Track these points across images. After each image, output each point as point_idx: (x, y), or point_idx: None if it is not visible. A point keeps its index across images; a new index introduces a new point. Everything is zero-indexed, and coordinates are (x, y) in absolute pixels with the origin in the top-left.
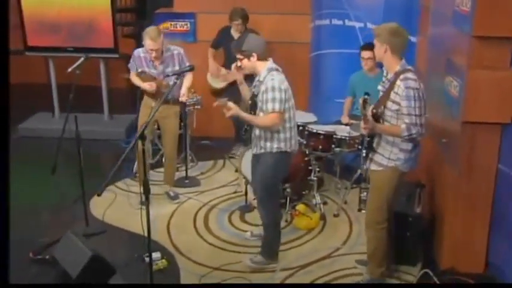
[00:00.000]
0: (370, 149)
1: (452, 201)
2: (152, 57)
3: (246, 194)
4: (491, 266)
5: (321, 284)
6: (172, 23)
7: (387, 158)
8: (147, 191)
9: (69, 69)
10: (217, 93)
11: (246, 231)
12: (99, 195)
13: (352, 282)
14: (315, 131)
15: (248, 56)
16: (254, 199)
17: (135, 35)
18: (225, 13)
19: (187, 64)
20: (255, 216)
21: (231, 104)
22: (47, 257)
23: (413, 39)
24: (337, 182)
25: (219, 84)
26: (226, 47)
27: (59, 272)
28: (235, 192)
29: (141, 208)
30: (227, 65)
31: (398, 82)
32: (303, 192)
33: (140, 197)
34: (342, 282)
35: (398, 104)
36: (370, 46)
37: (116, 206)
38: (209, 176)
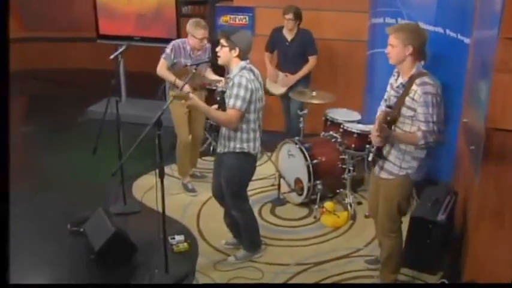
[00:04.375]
0: (381, 156)
1: (479, 212)
2: (197, 47)
3: (279, 187)
4: None
5: (322, 284)
6: (232, 16)
7: (399, 166)
8: (162, 175)
9: (112, 56)
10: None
11: (274, 224)
12: (113, 175)
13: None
14: (349, 129)
15: (231, 48)
16: (284, 193)
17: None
18: (283, 8)
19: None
20: (285, 210)
21: (191, 94)
22: (82, 229)
23: (466, 40)
24: None
25: (279, 90)
26: (280, 49)
27: (87, 244)
28: (272, 185)
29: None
30: (282, 68)
31: (414, 87)
32: (337, 191)
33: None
34: (349, 283)
35: (414, 110)
36: None
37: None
38: None
